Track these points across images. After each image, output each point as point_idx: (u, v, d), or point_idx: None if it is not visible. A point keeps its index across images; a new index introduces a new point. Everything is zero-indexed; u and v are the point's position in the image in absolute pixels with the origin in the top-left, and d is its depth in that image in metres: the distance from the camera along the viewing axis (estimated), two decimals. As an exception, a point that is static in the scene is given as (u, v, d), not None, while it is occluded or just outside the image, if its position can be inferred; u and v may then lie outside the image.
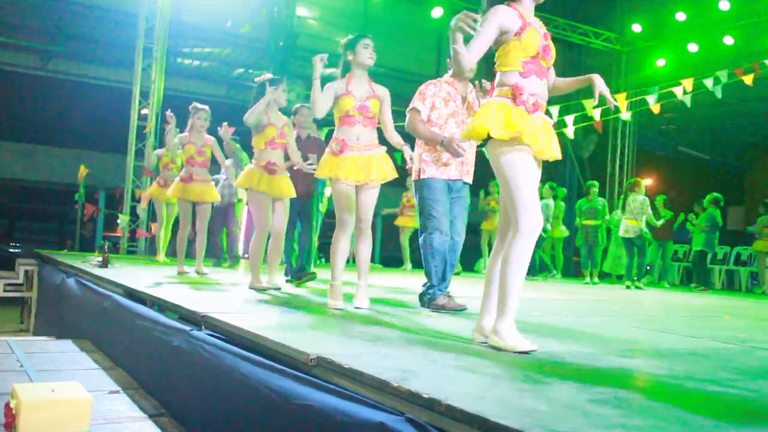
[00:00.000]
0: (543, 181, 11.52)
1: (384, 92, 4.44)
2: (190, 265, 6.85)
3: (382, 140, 4.49)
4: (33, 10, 13.45)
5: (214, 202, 6.92)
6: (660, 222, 10.25)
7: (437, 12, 13.91)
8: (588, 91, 9.64)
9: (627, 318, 5.08)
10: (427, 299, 4.62)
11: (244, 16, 13.86)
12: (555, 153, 3.04)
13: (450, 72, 4.76)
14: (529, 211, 2.85)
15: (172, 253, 8.56)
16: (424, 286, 4.73)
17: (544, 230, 10.84)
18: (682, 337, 4.03)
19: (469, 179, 4.80)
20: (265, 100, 5.13)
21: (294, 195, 5.49)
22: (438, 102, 4.63)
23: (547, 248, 11.81)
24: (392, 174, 4.37)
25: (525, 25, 2.97)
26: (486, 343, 2.99)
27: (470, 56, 2.97)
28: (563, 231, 11.75)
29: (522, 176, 2.89)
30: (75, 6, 13.67)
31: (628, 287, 9.84)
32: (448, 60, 4.79)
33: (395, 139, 4.50)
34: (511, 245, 2.88)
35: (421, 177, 4.65)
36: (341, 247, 4.39)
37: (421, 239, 4.68)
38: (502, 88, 3.00)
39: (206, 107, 6.81)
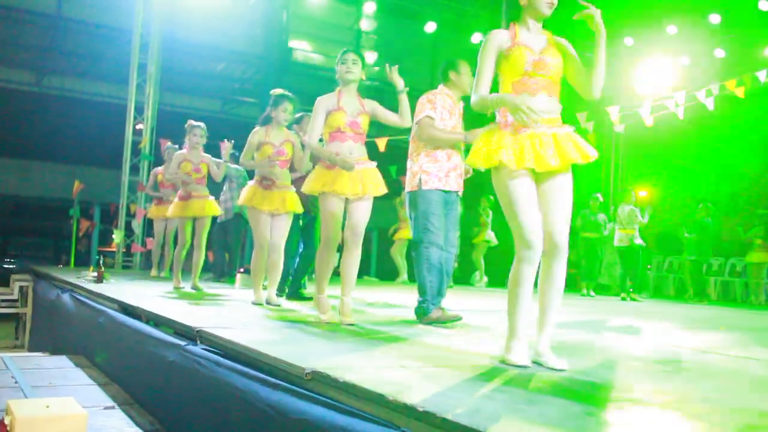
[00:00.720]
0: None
1: (372, 105, 4.42)
2: (186, 281, 6.82)
3: (373, 155, 4.48)
4: (27, 27, 13.49)
5: (215, 217, 6.91)
6: (645, 219, 10.26)
7: (430, 27, 13.99)
8: (580, 106, 9.59)
9: (623, 331, 5.09)
10: (420, 314, 4.57)
11: (237, 31, 13.94)
12: (572, 157, 2.89)
13: (445, 83, 4.77)
14: (523, 237, 2.83)
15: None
16: (418, 300, 4.66)
17: None
18: (676, 348, 4.04)
19: (461, 190, 4.81)
20: (252, 163, 5.34)
21: (299, 210, 5.48)
22: (444, 113, 4.62)
23: None
24: (383, 189, 4.35)
25: (513, 45, 2.97)
26: (541, 365, 2.87)
27: (479, 95, 2.97)
28: None
29: (514, 202, 2.86)
30: (69, 22, 13.71)
31: (623, 299, 9.85)
32: (451, 73, 4.77)
33: (405, 113, 4.35)
34: (511, 269, 2.90)
35: (421, 188, 4.58)
36: (327, 260, 4.35)
37: (415, 253, 4.64)
38: (496, 113, 3.01)
39: (202, 124, 6.83)
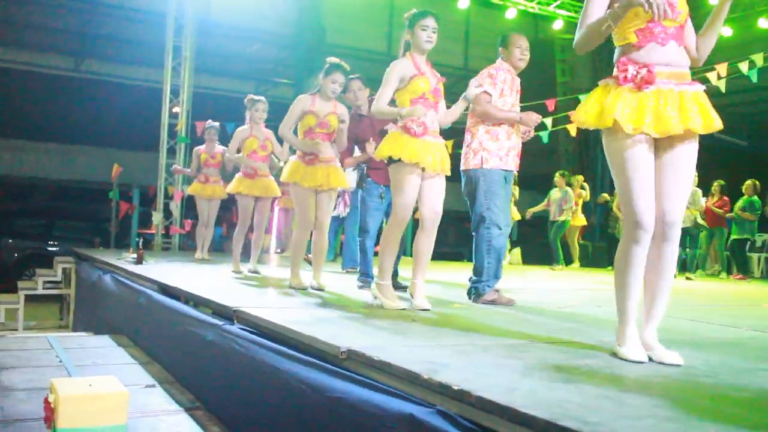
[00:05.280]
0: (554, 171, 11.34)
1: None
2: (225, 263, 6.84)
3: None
4: (63, 13, 13.70)
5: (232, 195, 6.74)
6: (702, 202, 10.13)
7: (464, 3, 13.78)
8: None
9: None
10: (475, 294, 4.50)
11: (271, 12, 13.93)
12: (694, 124, 2.49)
13: (502, 58, 4.59)
14: (633, 216, 2.52)
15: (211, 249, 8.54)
16: (470, 280, 4.58)
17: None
18: (719, 326, 3.96)
19: (517, 169, 4.66)
20: (293, 139, 4.92)
21: (344, 186, 5.15)
22: (506, 89, 4.50)
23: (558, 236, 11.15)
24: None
25: None
26: (652, 360, 2.55)
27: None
28: (581, 219, 11.44)
29: (626, 173, 2.52)
30: (104, 7, 13.89)
31: (688, 279, 9.51)
32: (500, 49, 4.63)
33: (451, 114, 4.17)
34: (619, 250, 2.60)
35: (484, 166, 4.44)
36: (396, 240, 4.01)
37: (476, 233, 4.50)
38: (615, 66, 2.62)
39: (263, 98, 6.54)
